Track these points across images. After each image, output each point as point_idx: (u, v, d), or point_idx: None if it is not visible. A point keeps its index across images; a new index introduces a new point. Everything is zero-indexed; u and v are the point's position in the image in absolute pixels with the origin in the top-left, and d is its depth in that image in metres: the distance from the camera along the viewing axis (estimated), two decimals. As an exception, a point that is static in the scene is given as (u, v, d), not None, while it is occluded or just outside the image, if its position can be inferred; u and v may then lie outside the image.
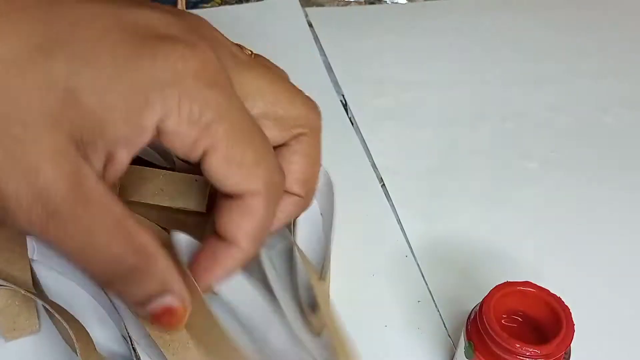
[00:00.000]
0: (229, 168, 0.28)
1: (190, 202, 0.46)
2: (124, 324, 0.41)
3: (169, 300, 0.28)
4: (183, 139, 0.26)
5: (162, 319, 0.28)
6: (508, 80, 0.63)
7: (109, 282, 0.28)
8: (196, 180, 0.46)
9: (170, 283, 0.28)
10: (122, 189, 0.46)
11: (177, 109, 0.26)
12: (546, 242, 0.49)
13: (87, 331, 0.39)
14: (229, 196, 0.30)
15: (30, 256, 0.43)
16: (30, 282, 0.42)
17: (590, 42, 0.68)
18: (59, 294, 0.43)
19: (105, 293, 0.42)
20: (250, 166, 0.28)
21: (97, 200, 0.25)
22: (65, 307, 0.41)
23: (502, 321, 0.36)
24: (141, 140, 0.26)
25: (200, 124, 0.26)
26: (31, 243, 0.43)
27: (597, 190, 0.53)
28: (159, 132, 0.26)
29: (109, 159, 0.26)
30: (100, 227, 0.26)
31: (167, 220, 0.45)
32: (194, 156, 0.27)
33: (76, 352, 0.37)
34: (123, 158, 0.26)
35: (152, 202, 0.45)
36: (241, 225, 0.30)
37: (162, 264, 0.28)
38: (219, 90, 0.27)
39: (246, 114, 0.29)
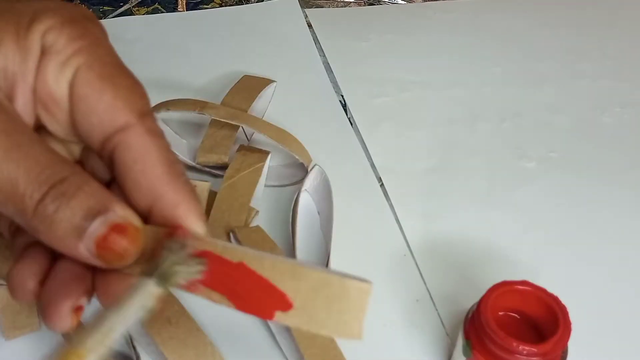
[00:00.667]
0: (102, 87, 0.27)
1: None
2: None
3: (111, 217, 0.26)
4: (59, 53, 0.27)
5: (109, 243, 0.25)
6: (507, 81, 0.63)
7: (38, 202, 0.25)
8: (195, 186, 0.46)
9: (105, 201, 0.26)
10: None
11: (60, 27, 0.27)
12: (544, 241, 0.49)
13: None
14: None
15: None
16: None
17: (589, 42, 0.68)
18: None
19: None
20: (127, 89, 0.28)
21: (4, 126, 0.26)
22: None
23: (500, 320, 0.36)
24: (32, 61, 0.26)
25: (78, 42, 0.27)
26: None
27: (595, 190, 0.53)
28: (42, 51, 0.27)
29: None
30: (5, 150, 0.25)
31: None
32: (67, 73, 0.27)
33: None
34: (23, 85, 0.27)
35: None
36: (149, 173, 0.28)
37: (95, 184, 0.26)
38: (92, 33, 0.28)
39: (116, 55, 0.29)
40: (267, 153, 0.50)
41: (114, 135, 0.27)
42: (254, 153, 0.51)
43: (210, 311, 0.42)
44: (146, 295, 0.25)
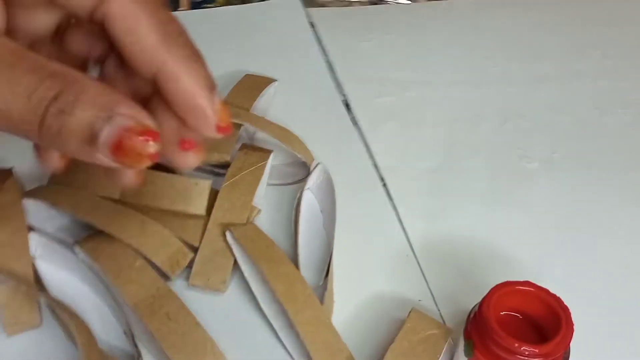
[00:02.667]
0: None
1: (189, 205, 0.46)
2: (126, 320, 0.41)
3: (118, 121, 0.24)
4: None
5: (125, 147, 0.24)
6: (509, 80, 0.63)
7: (39, 126, 0.24)
8: (196, 184, 0.46)
9: (109, 104, 0.24)
10: (122, 192, 0.47)
11: None
12: (546, 242, 0.49)
13: (88, 327, 0.39)
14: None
15: (32, 252, 0.43)
16: (32, 277, 0.42)
17: (591, 42, 0.68)
18: (61, 290, 0.43)
19: (108, 289, 0.42)
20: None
21: None
22: (67, 303, 0.41)
23: (502, 320, 0.36)
24: None
25: None
26: (34, 239, 0.44)
27: (597, 191, 0.53)
28: None
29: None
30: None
31: (165, 223, 0.45)
32: None
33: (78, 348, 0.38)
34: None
35: (152, 205, 0.46)
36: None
37: (94, 86, 0.24)
38: None
39: None
40: (269, 152, 0.50)
41: (99, 5, 0.26)
42: (257, 152, 0.51)
43: (210, 307, 0.43)
44: None
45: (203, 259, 0.44)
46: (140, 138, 0.24)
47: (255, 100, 0.55)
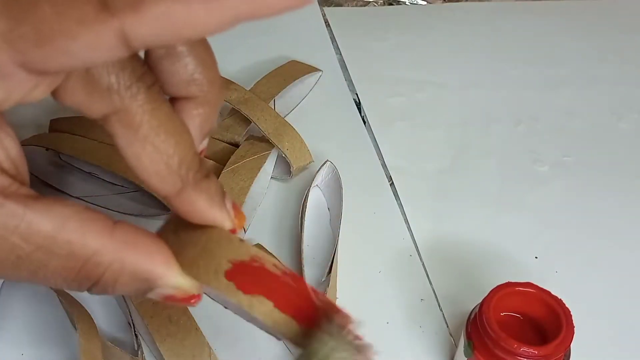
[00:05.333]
0: None
1: None
2: (129, 310, 0.41)
3: (160, 292, 0.26)
4: None
5: (170, 302, 0.27)
6: (524, 84, 0.63)
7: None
8: None
9: (151, 277, 0.25)
10: None
11: None
12: (553, 245, 0.48)
13: (90, 316, 0.39)
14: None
15: None
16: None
17: (607, 47, 0.67)
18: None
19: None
20: None
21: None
22: (74, 293, 0.42)
23: (502, 321, 0.36)
24: None
25: None
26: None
27: (607, 196, 0.52)
28: None
29: None
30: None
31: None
32: None
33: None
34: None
35: None
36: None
37: (131, 262, 0.25)
38: None
39: None
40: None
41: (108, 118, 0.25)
42: (262, 142, 0.51)
43: (212, 313, 0.42)
44: None
45: None
46: (182, 302, 0.26)
47: (285, 87, 0.56)
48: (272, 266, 0.26)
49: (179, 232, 0.27)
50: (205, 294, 0.28)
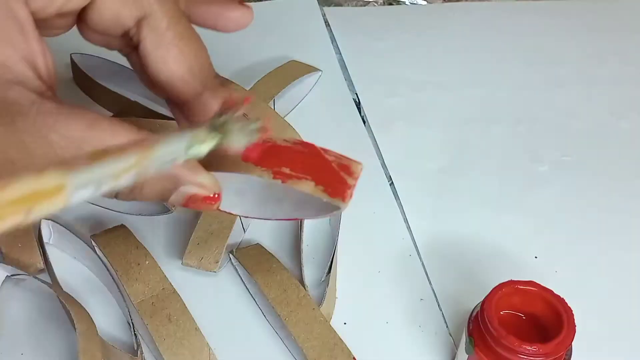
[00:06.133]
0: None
1: None
2: (129, 310, 0.41)
3: (184, 191, 0.28)
4: None
5: (191, 205, 0.29)
6: (524, 84, 0.62)
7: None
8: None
9: (178, 176, 0.28)
10: None
11: None
12: (553, 245, 0.48)
13: (89, 316, 0.39)
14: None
15: (46, 240, 0.44)
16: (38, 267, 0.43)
17: (607, 47, 0.67)
18: (70, 277, 0.44)
19: (114, 280, 0.42)
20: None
21: None
22: (73, 291, 0.42)
23: (504, 319, 0.35)
24: None
25: None
26: (47, 228, 0.44)
27: (607, 195, 0.52)
28: None
29: None
30: None
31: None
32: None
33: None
34: None
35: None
36: None
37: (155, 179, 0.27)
38: None
39: None
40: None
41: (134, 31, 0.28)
42: None
43: (212, 313, 0.43)
44: (189, 141, 0.25)
45: (197, 239, 0.44)
46: (204, 202, 0.29)
47: (285, 87, 0.56)
48: (282, 141, 0.30)
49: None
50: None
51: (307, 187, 0.29)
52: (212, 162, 0.29)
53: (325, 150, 0.31)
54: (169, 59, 0.28)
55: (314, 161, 0.30)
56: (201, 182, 0.28)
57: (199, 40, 0.29)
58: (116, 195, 0.27)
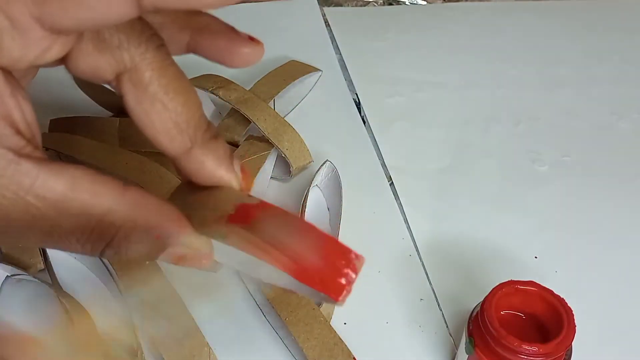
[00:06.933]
0: None
1: None
2: (129, 310, 0.41)
3: (172, 252, 0.26)
4: None
5: (182, 263, 0.27)
6: (524, 84, 0.63)
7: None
8: None
9: (165, 233, 0.26)
10: (122, 140, 0.49)
11: None
12: (553, 245, 0.48)
13: (89, 314, 0.39)
14: None
15: None
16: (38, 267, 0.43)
17: (608, 47, 0.67)
18: (71, 278, 0.44)
19: (114, 280, 0.42)
20: None
21: None
22: (74, 291, 0.42)
23: (504, 319, 0.35)
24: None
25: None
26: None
27: (607, 195, 0.52)
28: None
29: None
30: None
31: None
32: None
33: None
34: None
35: (151, 150, 0.46)
36: None
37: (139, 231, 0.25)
38: None
39: None
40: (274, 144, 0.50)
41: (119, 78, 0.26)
42: (262, 143, 0.51)
43: (211, 312, 0.43)
44: None
45: None
46: (194, 262, 0.26)
47: (285, 87, 0.56)
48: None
49: (188, 197, 0.28)
50: (218, 260, 0.28)
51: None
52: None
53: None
54: (152, 114, 0.26)
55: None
56: (189, 244, 0.26)
57: (189, 91, 0.27)
58: (102, 251, 0.26)
